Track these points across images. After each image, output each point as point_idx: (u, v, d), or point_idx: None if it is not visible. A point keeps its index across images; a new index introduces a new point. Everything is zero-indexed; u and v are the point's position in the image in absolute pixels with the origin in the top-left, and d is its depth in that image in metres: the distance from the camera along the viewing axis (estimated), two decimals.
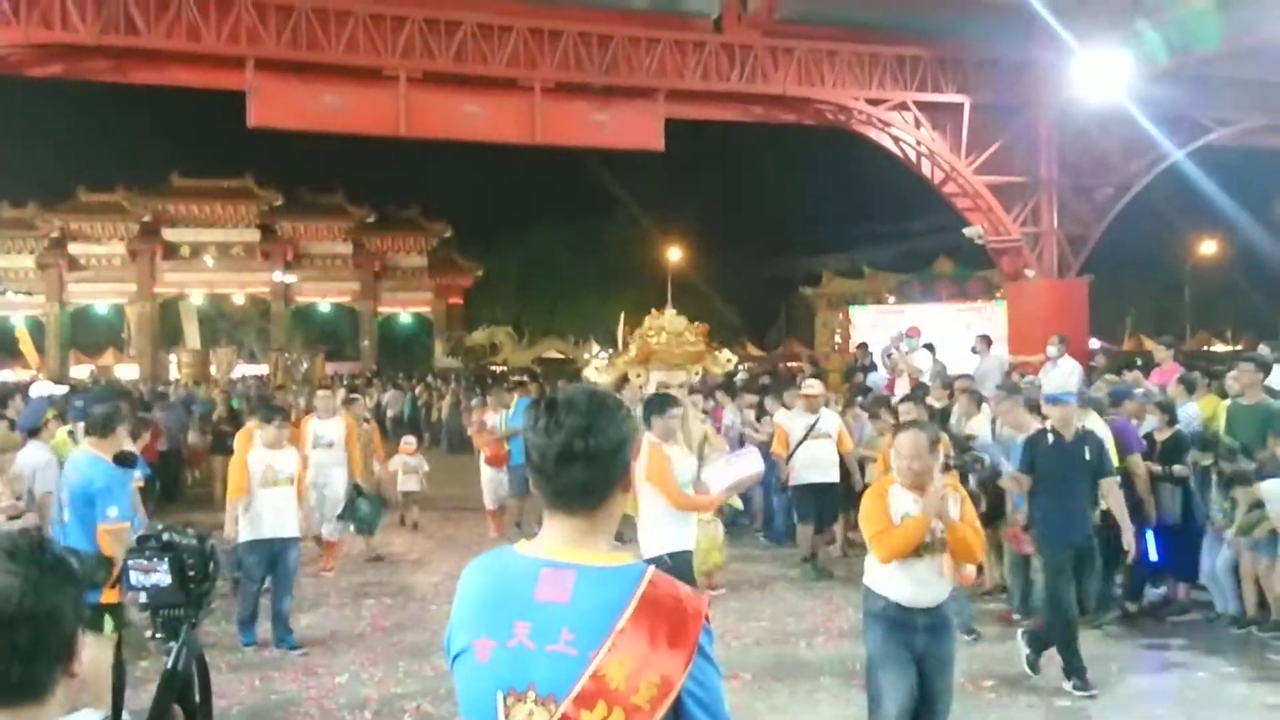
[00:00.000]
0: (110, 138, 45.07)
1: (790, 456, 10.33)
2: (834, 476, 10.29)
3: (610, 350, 38.13)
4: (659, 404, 7.02)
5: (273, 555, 7.81)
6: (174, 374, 37.45)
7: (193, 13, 15.92)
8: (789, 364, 31.78)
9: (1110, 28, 17.38)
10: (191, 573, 2.52)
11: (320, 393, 11.95)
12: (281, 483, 7.84)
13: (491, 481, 12.35)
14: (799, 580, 10.01)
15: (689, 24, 18.73)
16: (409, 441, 13.53)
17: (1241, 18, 15.75)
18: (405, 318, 48.78)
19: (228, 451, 12.45)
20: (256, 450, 7.89)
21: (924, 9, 18.48)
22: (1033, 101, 19.94)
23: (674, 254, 45.94)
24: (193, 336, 45.13)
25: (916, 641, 4.68)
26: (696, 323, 10.68)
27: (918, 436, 4.81)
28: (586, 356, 39.27)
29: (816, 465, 10.28)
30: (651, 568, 1.97)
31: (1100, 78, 17.29)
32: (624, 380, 10.93)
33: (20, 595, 1.52)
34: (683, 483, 6.77)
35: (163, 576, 2.50)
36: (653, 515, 6.76)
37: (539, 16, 17.79)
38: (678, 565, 6.84)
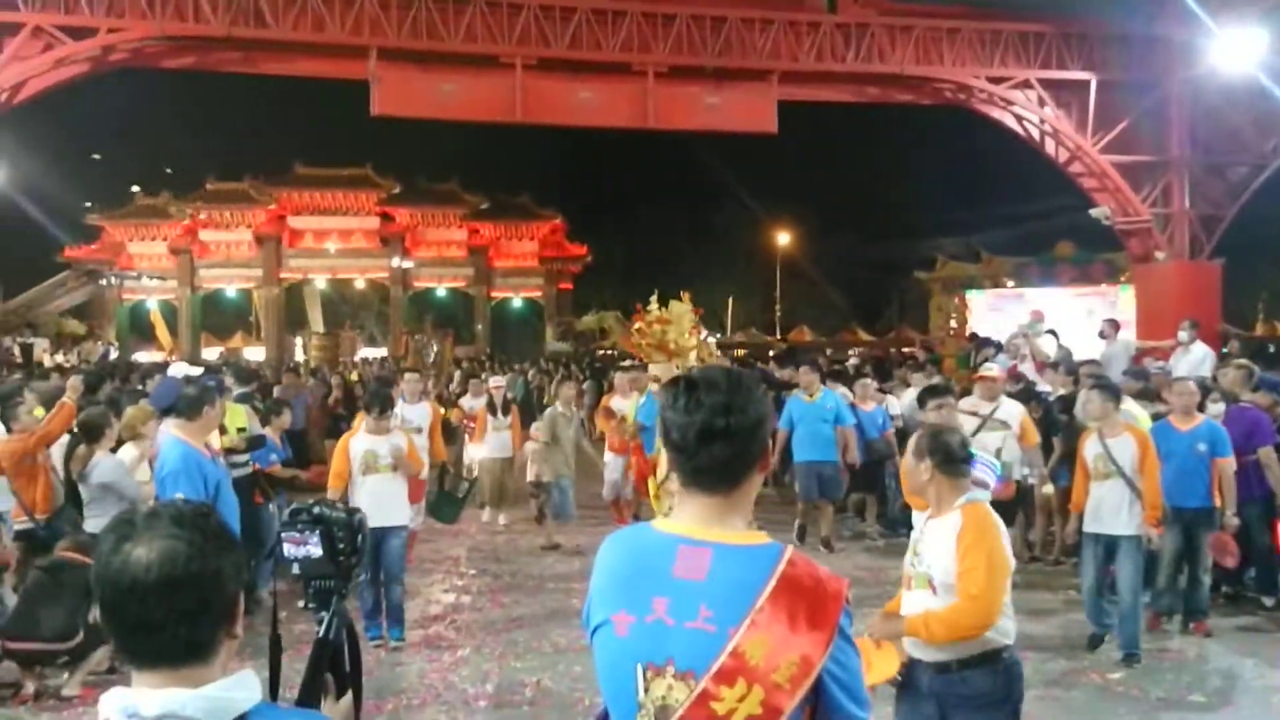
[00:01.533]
0: (237, 129, 46.75)
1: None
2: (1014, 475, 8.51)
3: (717, 335, 37.97)
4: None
5: (375, 544, 7.20)
6: (300, 355, 38.74)
7: (318, 4, 16.41)
8: (901, 349, 31.28)
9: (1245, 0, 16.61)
10: (341, 545, 2.62)
11: (408, 376, 11.60)
12: (383, 469, 7.52)
13: (612, 471, 11.79)
14: None
15: (803, 4, 18.51)
16: (538, 428, 12.08)
17: None
18: (517, 302, 49.46)
19: (339, 435, 12.65)
20: (359, 436, 7.65)
21: None
22: (1163, 77, 19.16)
23: (783, 238, 45.52)
24: (316, 320, 46.75)
25: (924, 708, 3.72)
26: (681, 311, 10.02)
27: (915, 441, 3.98)
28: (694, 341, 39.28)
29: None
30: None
31: (1236, 52, 16.52)
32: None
33: (186, 559, 1.58)
34: None
35: (314, 549, 2.61)
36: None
37: (652, 1, 17.81)
38: None
